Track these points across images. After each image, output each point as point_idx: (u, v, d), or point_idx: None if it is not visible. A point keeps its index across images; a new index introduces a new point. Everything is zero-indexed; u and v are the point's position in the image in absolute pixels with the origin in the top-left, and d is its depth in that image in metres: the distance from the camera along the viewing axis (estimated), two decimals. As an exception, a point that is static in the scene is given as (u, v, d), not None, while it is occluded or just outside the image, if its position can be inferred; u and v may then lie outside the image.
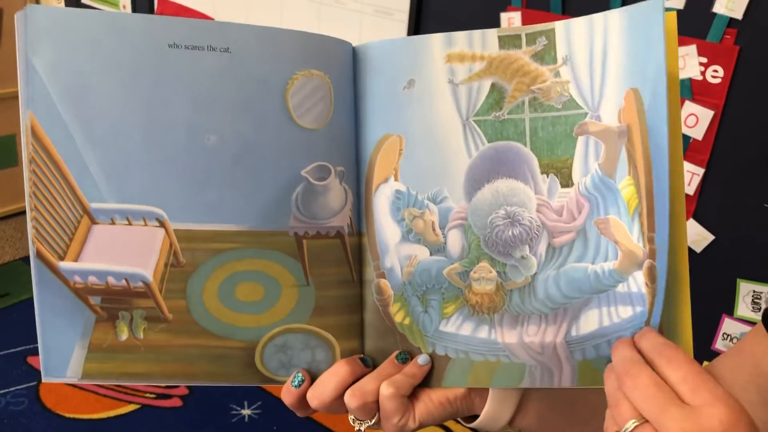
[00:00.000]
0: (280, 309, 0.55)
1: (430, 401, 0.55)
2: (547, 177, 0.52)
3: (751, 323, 1.25)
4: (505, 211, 0.53)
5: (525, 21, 1.38)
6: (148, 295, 0.54)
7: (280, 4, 1.68)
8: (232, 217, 0.53)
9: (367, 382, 0.53)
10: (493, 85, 0.53)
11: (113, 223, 0.53)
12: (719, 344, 1.28)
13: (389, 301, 0.55)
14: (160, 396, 1.82)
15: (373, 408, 0.53)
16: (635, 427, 0.41)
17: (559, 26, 0.52)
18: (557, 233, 0.52)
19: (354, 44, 0.55)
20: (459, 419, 0.58)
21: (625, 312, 0.50)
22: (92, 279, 0.53)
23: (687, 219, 1.22)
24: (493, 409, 0.56)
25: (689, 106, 1.20)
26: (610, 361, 0.49)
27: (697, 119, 1.19)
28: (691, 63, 1.19)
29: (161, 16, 0.52)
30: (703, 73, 1.19)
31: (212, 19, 1.90)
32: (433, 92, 0.54)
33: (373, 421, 0.53)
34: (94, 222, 0.53)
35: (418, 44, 0.54)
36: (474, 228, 0.54)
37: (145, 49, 0.50)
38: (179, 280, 0.54)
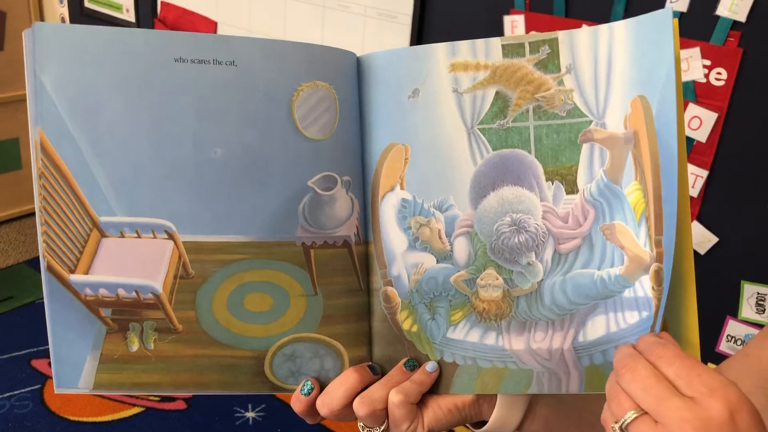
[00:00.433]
0: (289, 318, 0.55)
1: (438, 408, 0.55)
2: (552, 184, 0.53)
3: (756, 325, 1.25)
4: (510, 218, 0.53)
5: (528, 24, 1.38)
6: (158, 306, 0.55)
7: (284, 7, 1.69)
8: (240, 228, 0.54)
9: (376, 390, 0.53)
10: (497, 94, 0.53)
11: (122, 236, 0.54)
12: (723, 346, 1.28)
13: (397, 309, 0.56)
14: (164, 399, 1.82)
15: (381, 415, 0.53)
16: (634, 418, 0.41)
17: (563, 35, 0.52)
18: (563, 240, 0.52)
19: (358, 52, 0.56)
20: (468, 425, 0.59)
21: (632, 317, 0.51)
22: (103, 291, 0.54)
23: (691, 221, 1.22)
24: (501, 415, 0.56)
25: (693, 109, 1.20)
26: None
27: (701, 122, 1.19)
28: (694, 65, 1.19)
29: (167, 31, 0.53)
30: (706, 76, 1.19)
31: (215, 23, 1.90)
32: (438, 101, 0.54)
33: (382, 428, 0.54)
34: (103, 235, 0.53)
35: (421, 54, 0.54)
36: (480, 235, 0.54)
37: (152, 64, 0.51)
38: (188, 291, 0.55)
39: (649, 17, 0.48)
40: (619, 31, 0.50)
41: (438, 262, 0.55)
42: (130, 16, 2.14)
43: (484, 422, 0.57)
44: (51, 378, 1.92)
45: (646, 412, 0.41)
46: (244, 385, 0.56)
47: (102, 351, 0.55)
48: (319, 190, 0.54)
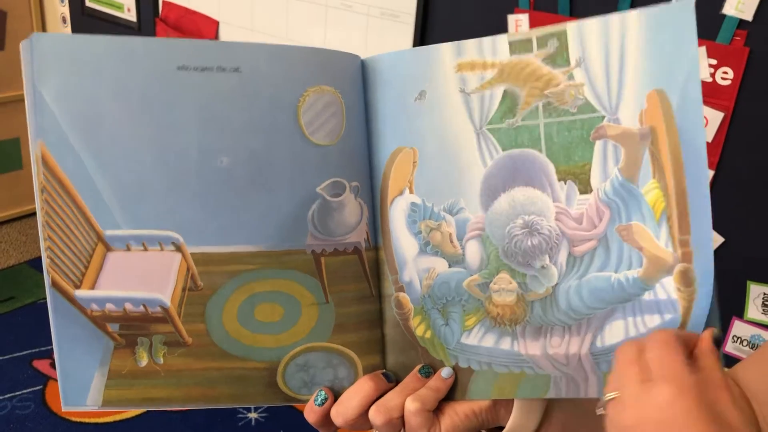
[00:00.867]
0: (301, 328, 0.54)
1: (455, 414, 0.54)
2: (565, 184, 0.51)
3: (762, 326, 1.24)
4: (523, 220, 0.52)
5: (533, 23, 1.37)
6: (167, 319, 0.54)
7: (286, 6, 1.68)
8: (249, 238, 0.53)
9: (392, 398, 0.53)
10: (505, 92, 0.52)
11: (129, 249, 0.53)
12: (729, 347, 1.27)
13: (409, 315, 0.55)
14: (166, 400, 1.81)
15: (398, 423, 0.52)
16: (609, 399, 0.44)
17: (571, 27, 0.50)
18: (578, 242, 0.51)
19: (360, 52, 0.55)
20: (484, 431, 0.58)
21: (652, 321, 0.49)
22: (109, 306, 0.53)
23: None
24: (518, 420, 0.55)
25: (699, 108, 1.19)
26: None
27: (707, 121, 1.19)
28: (700, 65, 1.18)
29: (169, 38, 0.53)
30: (712, 75, 1.18)
31: (217, 22, 1.90)
32: (445, 102, 0.53)
33: None
34: (109, 249, 0.52)
35: (427, 55, 0.53)
36: (492, 238, 0.53)
37: (154, 73, 0.50)
38: (198, 303, 0.54)
39: (666, 8, 0.46)
40: (633, 22, 0.48)
41: (450, 266, 0.54)
42: (132, 16, 2.14)
43: (501, 427, 0.56)
44: (52, 378, 1.91)
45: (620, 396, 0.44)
46: (256, 396, 0.55)
47: (110, 367, 0.54)
48: (328, 197, 0.53)
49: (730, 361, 1.22)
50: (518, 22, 1.39)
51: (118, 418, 1.77)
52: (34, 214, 2.66)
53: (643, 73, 0.48)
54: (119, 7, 2.16)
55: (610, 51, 0.49)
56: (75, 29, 2.36)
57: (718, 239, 1.23)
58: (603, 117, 0.50)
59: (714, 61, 1.18)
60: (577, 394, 0.52)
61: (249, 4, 1.77)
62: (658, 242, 0.48)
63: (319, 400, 0.54)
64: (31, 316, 2.11)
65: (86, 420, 1.75)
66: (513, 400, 0.55)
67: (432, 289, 0.54)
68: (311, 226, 0.53)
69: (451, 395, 0.55)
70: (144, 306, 0.53)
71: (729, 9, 1.14)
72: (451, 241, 0.54)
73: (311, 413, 0.54)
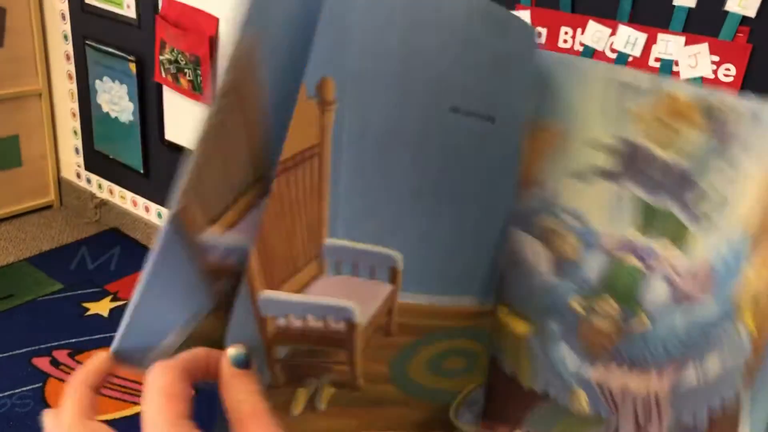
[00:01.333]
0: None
1: None
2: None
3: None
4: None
5: (534, 19, 1.37)
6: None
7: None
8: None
9: None
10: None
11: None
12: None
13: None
14: (166, 397, 1.81)
15: None
16: None
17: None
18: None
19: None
20: None
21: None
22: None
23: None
24: None
25: (701, 105, 1.19)
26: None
27: (709, 118, 1.19)
28: (702, 62, 1.18)
29: None
30: (715, 72, 1.18)
31: (217, 19, 1.89)
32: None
33: None
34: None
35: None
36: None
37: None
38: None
39: None
40: None
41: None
42: (131, 12, 2.13)
43: None
44: (52, 376, 1.91)
45: None
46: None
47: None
48: None
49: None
50: (520, 18, 1.39)
51: (117, 415, 1.76)
52: (32, 211, 2.66)
53: None
54: (119, 4, 2.15)
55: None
56: (74, 27, 2.35)
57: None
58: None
59: (716, 58, 1.17)
60: None
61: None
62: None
63: None
64: (30, 313, 2.10)
65: (86, 417, 1.75)
66: None
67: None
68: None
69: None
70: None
71: (732, 5, 1.13)
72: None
73: None
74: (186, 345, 0.39)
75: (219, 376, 0.37)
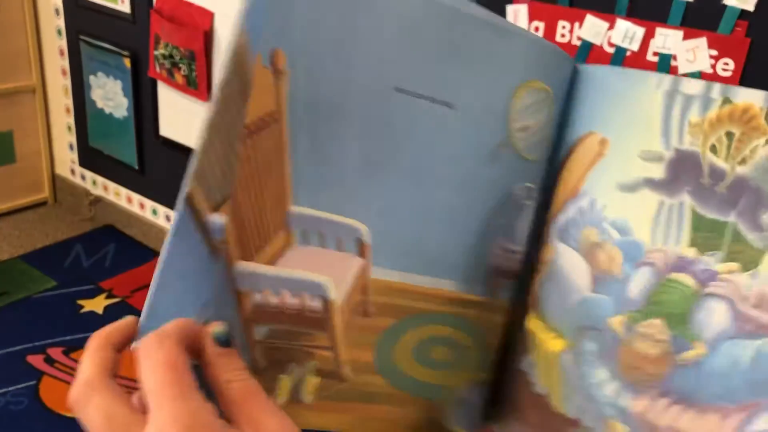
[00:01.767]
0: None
1: None
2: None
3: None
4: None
5: (531, 13, 1.36)
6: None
7: None
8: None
9: None
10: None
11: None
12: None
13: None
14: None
15: None
16: None
17: None
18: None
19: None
20: None
21: None
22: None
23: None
24: None
25: (699, 100, 1.18)
26: None
27: (708, 113, 1.18)
28: (701, 56, 1.17)
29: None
30: (713, 66, 1.17)
31: (212, 13, 1.88)
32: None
33: None
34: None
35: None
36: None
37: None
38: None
39: None
40: None
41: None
42: (126, 7, 2.11)
43: None
44: (46, 374, 1.90)
45: None
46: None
47: None
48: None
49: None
50: (516, 12, 1.37)
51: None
52: (26, 208, 2.65)
53: None
54: (113, 0, 2.14)
55: None
56: (68, 22, 2.34)
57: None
58: None
59: (715, 52, 1.16)
60: None
61: (244, -5, 1.75)
62: None
63: None
64: (24, 310, 2.09)
65: (80, 415, 1.74)
66: None
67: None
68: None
69: None
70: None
71: (730, -1, 1.13)
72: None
73: None
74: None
75: (202, 355, 0.36)
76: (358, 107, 0.41)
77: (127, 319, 0.37)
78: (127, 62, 2.18)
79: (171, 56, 1.99)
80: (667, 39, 1.22)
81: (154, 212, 2.39)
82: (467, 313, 0.47)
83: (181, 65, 1.97)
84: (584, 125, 0.47)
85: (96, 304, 2.14)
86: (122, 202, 2.48)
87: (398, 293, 0.44)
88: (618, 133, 0.46)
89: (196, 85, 1.98)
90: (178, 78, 2.00)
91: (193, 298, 0.38)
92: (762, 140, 0.42)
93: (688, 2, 1.18)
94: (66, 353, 1.93)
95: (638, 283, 0.44)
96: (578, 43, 1.33)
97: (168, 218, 2.34)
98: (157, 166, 2.31)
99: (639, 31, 1.25)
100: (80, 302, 2.14)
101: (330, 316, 0.42)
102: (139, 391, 0.33)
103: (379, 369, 0.44)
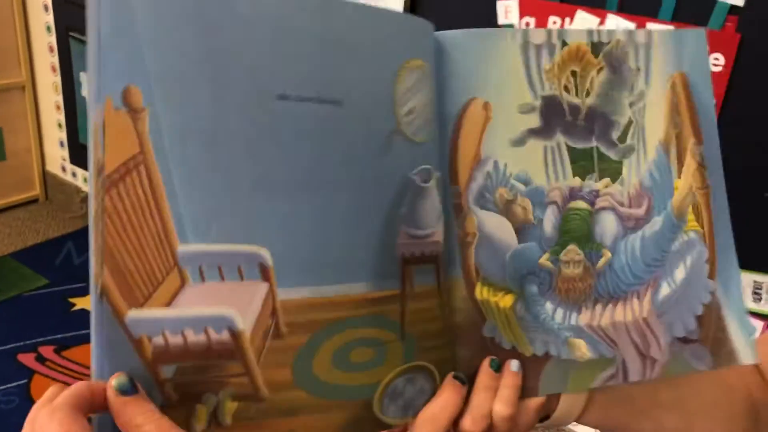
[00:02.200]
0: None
1: (527, 410, 0.51)
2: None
3: (752, 314, 1.24)
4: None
5: (522, 8, 1.36)
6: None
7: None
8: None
9: (482, 404, 0.49)
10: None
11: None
12: (720, 335, 1.27)
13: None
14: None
15: (488, 427, 0.49)
16: None
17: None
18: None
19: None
20: None
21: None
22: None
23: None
24: (566, 407, 0.53)
25: (690, 95, 1.18)
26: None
27: (698, 108, 1.18)
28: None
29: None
30: (703, 62, 1.17)
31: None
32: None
33: None
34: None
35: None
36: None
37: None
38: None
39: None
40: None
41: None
42: (115, 3, 2.10)
43: (547, 416, 0.54)
44: (37, 372, 1.89)
45: None
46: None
47: None
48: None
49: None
50: (507, 7, 1.37)
51: (104, 411, 1.75)
52: (17, 205, 2.63)
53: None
54: (102, -5, 2.13)
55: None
56: (57, 18, 2.32)
57: (709, 227, 1.22)
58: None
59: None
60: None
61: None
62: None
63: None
64: (15, 309, 2.08)
65: (72, 414, 1.73)
66: None
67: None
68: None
69: (524, 393, 0.51)
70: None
71: (720, -6, 1.13)
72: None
73: None
74: None
75: (109, 406, 0.37)
76: (236, 127, 0.39)
77: (78, 386, 0.37)
78: (117, 59, 2.17)
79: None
80: (658, 34, 1.22)
81: (146, 209, 2.38)
82: (383, 309, 0.46)
83: (171, 61, 1.96)
84: (463, 93, 0.49)
85: (88, 302, 2.13)
86: (113, 200, 2.47)
87: (308, 308, 0.42)
88: (495, 93, 0.50)
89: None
90: (169, 74, 1.99)
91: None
92: (594, 71, 0.51)
93: (678, -3, 1.18)
94: (57, 351, 1.92)
95: (549, 221, 0.51)
96: (569, 38, 1.32)
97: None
98: (148, 163, 2.30)
99: (630, 27, 1.25)
100: (72, 300, 2.13)
101: (240, 346, 0.40)
102: None
103: (299, 384, 0.43)
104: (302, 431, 0.43)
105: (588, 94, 0.52)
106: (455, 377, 0.50)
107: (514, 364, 0.51)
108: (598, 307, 0.52)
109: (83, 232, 2.50)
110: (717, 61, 1.16)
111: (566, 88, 0.51)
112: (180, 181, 0.38)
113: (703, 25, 1.15)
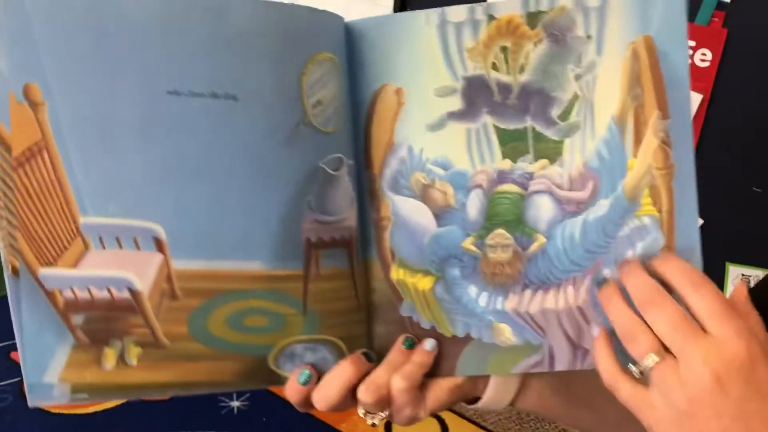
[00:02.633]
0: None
1: (439, 388, 0.53)
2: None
3: (740, 306, 1.25)
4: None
5: (512, 5, 1.37)
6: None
7: (263, -10, 1.66)
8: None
9: (380, 376, 0.51)
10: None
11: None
12: (708, 328, 1.29)
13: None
14: (147, 389, 1.80)
15: (387, 400, 0.51)
16: (656, 364, 0.40)
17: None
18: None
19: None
20: (463, 402, 0.57)
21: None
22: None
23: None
24: (496, 390, 0.54)
25: (678, 90, 1.19)
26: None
27: (686, 103, 1.19)
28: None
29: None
30: (691, 57, 1.18)
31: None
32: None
33: (386, 413, 0.52)
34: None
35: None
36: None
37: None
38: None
39: None
40: None
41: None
42: None
43: (478, 398, 0.56)
44: (30, 370, 1.89)
45: (669, 353, 0.40)
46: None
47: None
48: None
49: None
50: (498, 4, 1.38)
51: (98, 408, 1.75)
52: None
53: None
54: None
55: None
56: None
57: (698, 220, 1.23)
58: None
59: (693, 43, 1.18)
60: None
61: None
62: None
63: (302, 379, 0.52)
64: (6, 307, 2.08)
65: (65, 411, 1.73)
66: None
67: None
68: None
69: (436, 371, 0.53)
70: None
71: (707, -10, 1.14)
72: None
73: (293, 392, 0.52)
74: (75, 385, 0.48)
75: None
76: (128, 120, 0.44)
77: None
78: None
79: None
80: (646, 30, 1.22)
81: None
82: (284, 286, 0.50)
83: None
84: (374, 80, 0.50)
85: (80, 300, 2.13)
86: (105, 197, 2.47)
87: (203, 278, 0.48)
88: (409, 78, 0.49)
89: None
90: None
91: (61, 346, 0.49)
92: (531, 44, 0.48)
93: (666, -7, 1.19)
94: (50, 349, 1.92)
95: (473, 205, 0.50)
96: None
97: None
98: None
99: None
100: (64, 298, 2.12)
101: (140, 302, 0.48)
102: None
103: (195, 337, 0.49)
104: (201, 374, 0.50)
105: (522, 70, 0.48)
106: (364, 354, 0.52)
107: (428, 343, 0.52)
108: (527, 292, 0.50)
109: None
110: (705, 57, 1.18)
111: (495, 66, 0.48)
112: (78, 164, 0.45)
113: (690, 20, 1.16)
